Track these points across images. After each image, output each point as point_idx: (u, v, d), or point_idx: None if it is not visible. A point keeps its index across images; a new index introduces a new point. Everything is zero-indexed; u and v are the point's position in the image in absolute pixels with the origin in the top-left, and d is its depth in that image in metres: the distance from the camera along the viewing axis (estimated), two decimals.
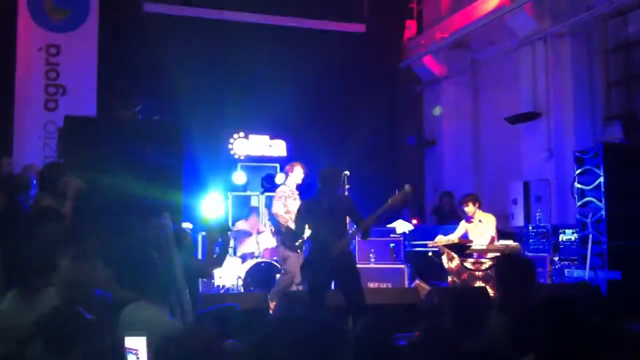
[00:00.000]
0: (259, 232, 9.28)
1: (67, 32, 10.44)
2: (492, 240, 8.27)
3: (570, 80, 10.19)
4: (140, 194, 4.06)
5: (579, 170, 8.06)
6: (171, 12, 11.18)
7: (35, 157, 9.27)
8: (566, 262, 8.48)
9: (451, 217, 10.35)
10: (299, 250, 7.38)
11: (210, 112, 10.88)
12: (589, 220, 7.83)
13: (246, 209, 10.19)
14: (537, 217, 9.45)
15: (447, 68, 12.90)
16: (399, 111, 13.41)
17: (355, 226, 6.11)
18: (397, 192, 5.94)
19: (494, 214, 8.68)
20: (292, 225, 6.94)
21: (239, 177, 10.92)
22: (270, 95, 10.93)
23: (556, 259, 8.70)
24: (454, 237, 8.31)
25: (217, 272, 8.40)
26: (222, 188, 10.23)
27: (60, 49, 10.37)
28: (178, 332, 2.95)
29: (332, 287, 6.39)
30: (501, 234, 8.95)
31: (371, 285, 8.76)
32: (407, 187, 5.94)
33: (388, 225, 9.43)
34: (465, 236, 8.38)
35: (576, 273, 7.92)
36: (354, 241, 8.41)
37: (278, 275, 8.03)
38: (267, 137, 11.72)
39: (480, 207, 8.49)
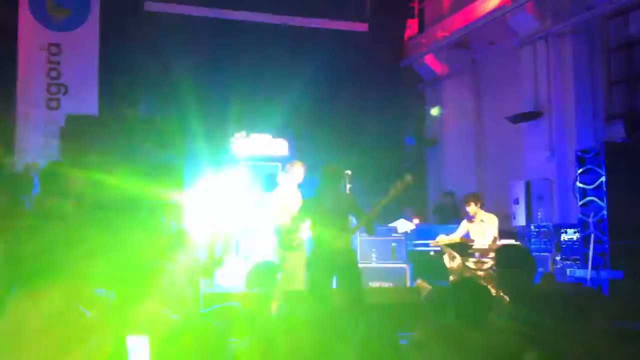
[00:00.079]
0: None
1: (68, 31, 10.46)
2: (494, 240, 8.26)
3: (572, 79, 10.18)
4: (142, 193, 4.07)
5: (580, 170, 8.06)
6: (172, 11, 11.19)
7: (37, 156, 9.28)
8: (568, 262, 8.48)
9: (453, 216, 10.34)
10: (297, 250, 7.35)
11: (211, 111, 10.87)
12: (590, 220, 7.83)
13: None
14: (539, 217, 9.45)
15: (448, 67, 12.90)
16: (401, 110, 13.41)
17: (358, 222, 6.09)
18: (398, 182, 5.95)
19: (496, 214, 8.67)
20: (288, 224, 6.92)
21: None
22: (271, 94, 10.93)
23: (558, 258, 8.70)
24: (455, 237, 8.30)
25: (219, 272, 8.40)
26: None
27: (62, 48, 10.38)
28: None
29: (334, 286, 6.38)
30: (503, 233, 8.94)
31: (373, 284, 8.76)
32: (407, 176, 5.96)
33: (390, 225, 9.43)
34: (467, 236, 8.37)
35: (578, 273, 7.91)
36: (356, 240, 8.41)
37: (279, 275, 8.01)
38: (269, 136, 11.71)
39: (482, 207, 8.48)
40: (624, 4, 9.44)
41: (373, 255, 9.08)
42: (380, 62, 12.87)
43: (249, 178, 11.12)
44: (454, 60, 12.78)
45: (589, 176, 7.94)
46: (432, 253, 9.04)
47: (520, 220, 10.12)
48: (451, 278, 8.11)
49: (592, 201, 7.85)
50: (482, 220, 8.37)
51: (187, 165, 8.02)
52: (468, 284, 4.02)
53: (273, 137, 11.77)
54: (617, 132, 9.26)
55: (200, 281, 6.13)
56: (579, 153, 8.15)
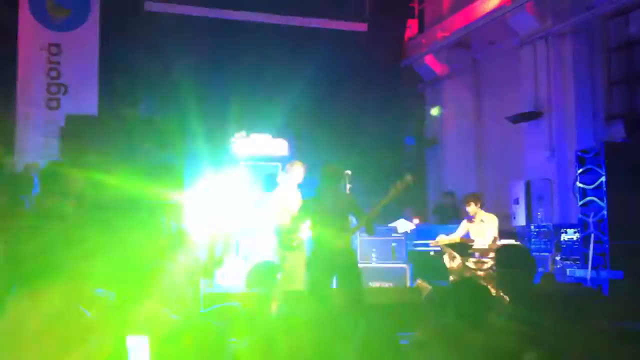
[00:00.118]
0: None
1: (68, 31, 10.46)
2: (494, 240, 8.26)
3: (572, 79, 10.18)
4: (142, 193, 4.07)
5: (580, 170, 8.06)
6: (172, 11, 11.19)
7: (37, 156, 9.28)
8: (568, 262, 8.48)
9: (453, 216, 10.34)
10: (297, 250, 7.35)
11: (211, 111, 10.87)
12: (590, 220, 7.83)
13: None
14: (539, 217, 9.45)
15: (448, 67, 12.90)
16: (401, 110, 13.41)
17: (358, 222, 6.09)
18: (398, 182, 5.95)
19: (496, 214, 8.67)
20: (288, 224, 6.93)
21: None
22: (271, 94, 10.93)
23: (558, 258, 8.70)
24: (455, 237, 8.30)
25: (219, 272, 8.39)
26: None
27: (62, 48, 10.39)
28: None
29: (334, 286, 6.38)
30: (503, 233, 8.94)
31: (373, 284, 8.76)
32: (407, 176, 5.96)
33: (390, 225, 9.42)
34: (467, 236, 8.37)
35: (578, 273, 7.91)
36: (356, 240, 8.40)
37: (279, 275, 8.01)
38: (269, 136, 11.70)
39: (482, 207, 8.48)
40: (624, 3, 9.44)
41: (373, 255, 9.08)
42: (380, 62, 12.87)
43: (249, 178, 11.12)
44: (454, 61, 12.78)
45: (589, 176, 7.94)
46: (432, 253, 9.04)
47: (520, 220, 10.12)
48: (451, 278, 8.11)
49: (592, 201, 7.85)
50: (482, 220, 8.37)
51: (187, 165, 8.02)
52: (468, 283, 4.02)
53: (273, 137, 11.76)
54: (617, 132, 9.27)
55: (200, 281, 6.13)
56: (579, 153, 8.15)
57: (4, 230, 4.80)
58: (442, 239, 8.37)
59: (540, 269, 8.35)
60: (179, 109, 9.82)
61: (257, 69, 11.06)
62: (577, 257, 8.23)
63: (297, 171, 7.94)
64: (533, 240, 9.08)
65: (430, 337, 3.25)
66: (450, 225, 9.22)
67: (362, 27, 12.46)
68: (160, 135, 7.22)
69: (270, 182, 9.96)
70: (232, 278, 8.85)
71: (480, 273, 7.82)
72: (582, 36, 10.29)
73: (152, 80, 9.83)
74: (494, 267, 7.52)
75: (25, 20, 10.31)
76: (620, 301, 7.01)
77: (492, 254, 8.03)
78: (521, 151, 10.94)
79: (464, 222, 8.54)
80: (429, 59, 13.03)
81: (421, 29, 13.77)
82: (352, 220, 6.17)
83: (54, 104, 10.26)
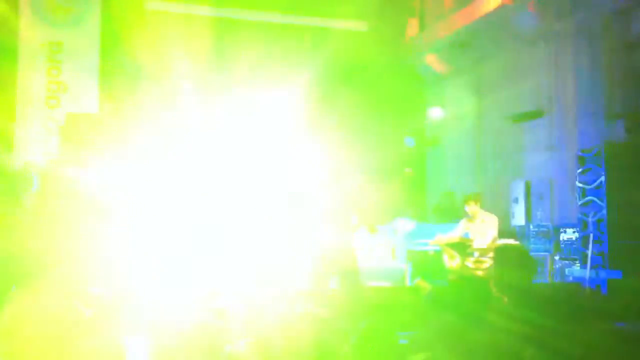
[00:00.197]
0: None
1: (69, 29, 10.44)
2: (493, 240, 8.26)
3: (574, 79, 10.17)
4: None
5: (580, 170, 8.06)
6: (174, 10, 11.19)
7: (36, 155, 9.28)
8: (567, 261, 8.48)
9: (453, 216, 10.33)
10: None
11: (212, 111, 10.87)
12: (590, 220, 7.83)
13: None
14: (538, 217, 9.45)
15: (449, 66, 12.88)
16: (401, 110, 13.40)
17: (358, 221, 6.11)
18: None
19: (495, 213, 8.67)
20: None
21: None
22: (271, 93, 10.92)
23: (557, 258, 8.70)
24: (454, 236, 8.30)
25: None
26: None
27: (63, 46, 10.37)
28: None
29: (333, 286, 6.39)
30: (503, 233, 8.94)
31: (373, 284, 8.76)
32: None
33: (389, 225, 9.43)
34: (465, 235, 8.37)
35: (577, 272, 7.91)
36: (357, 241, 8.41)
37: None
38: None
39: (482, 207, 8.47)
40: (626, 3, 9.42)
41: (373, 255, 9.08)
42: (380, 62, 12.85)
43: None
44: (455, 60, 12.77)
45: (588, 176, 7.94)
46: (431, 253, 9.04)
47: (520, 219, 10.11)
48: (451, 278, 8.12)
49: (592, 201, 7.85)
50: (482, 220, 8.37)
51: None
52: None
53: None
54: (618, 132, 9.26)
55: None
56: (579, 153, 8.15)
57: (4, 230, 4.81)
58: (441, 238, 8.37)
59: (540, 269, 8.35)
60: (181, 108, 9.82)
61: (257, 67, 11.05)
62: (576, 256, 8.24)
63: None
64: (532, 240, 9.08)
65: (429, 337, 3.25)
66: (449, 225, 9.22)
67: (363, 26, 12.44)
68: None
69: None
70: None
71: (480, 273, 7.83)
72: (583, 36, 10.28)
73: (153, 79, 9.83)
74: (494, 267, 7.53)
75: (26, 18, 10.30)
76: (619, 301, 7.02)
77: (491, 254, 8.04)
78: (521, 151, 10.93)
79: (464, 221, 8.54)
80: (430, 58, 13.01)
81: (422, 27, 13.74)
82: (353, 219, 6.20)
83: (54, 102, 10.26)
